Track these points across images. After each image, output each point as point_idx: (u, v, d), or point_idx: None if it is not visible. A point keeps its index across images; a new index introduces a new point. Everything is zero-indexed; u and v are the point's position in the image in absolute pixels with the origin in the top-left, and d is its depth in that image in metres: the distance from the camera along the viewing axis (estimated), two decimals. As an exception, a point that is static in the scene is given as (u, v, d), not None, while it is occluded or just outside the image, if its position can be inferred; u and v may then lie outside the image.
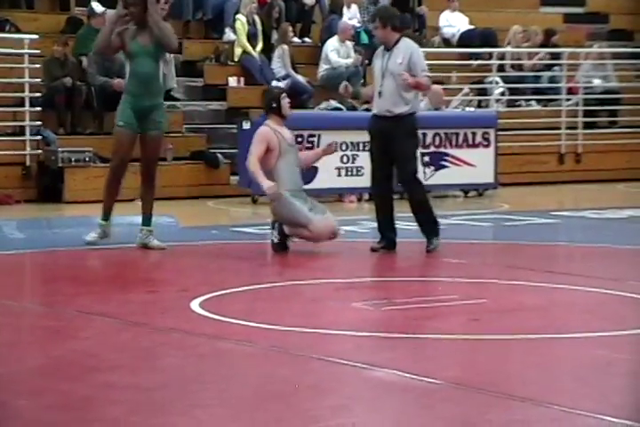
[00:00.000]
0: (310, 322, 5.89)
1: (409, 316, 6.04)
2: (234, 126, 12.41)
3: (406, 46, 8.14)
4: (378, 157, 8.23)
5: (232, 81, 13.53)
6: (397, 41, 8.14)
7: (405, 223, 9.81)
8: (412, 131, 8.20)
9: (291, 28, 14.08)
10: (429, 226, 8.18)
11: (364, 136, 11.73)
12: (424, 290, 6.88)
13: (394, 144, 8.08)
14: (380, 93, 8.17)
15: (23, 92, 11.62)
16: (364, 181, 11.74)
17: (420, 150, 12.31)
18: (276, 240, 8.14)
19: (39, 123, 11.77)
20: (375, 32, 8.30)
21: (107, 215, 8.32)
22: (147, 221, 8.30)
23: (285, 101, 8.32)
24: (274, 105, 8.29)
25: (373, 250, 8.17)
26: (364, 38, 14.55)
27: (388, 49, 8.15)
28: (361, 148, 11.80)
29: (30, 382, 4.72)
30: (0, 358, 5.19)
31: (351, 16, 14.70)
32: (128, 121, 8.10)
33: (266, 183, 8.09)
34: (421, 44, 14.95)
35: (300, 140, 11.54)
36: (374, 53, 8.45)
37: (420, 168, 12.20)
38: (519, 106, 14.74)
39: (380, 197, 8.32)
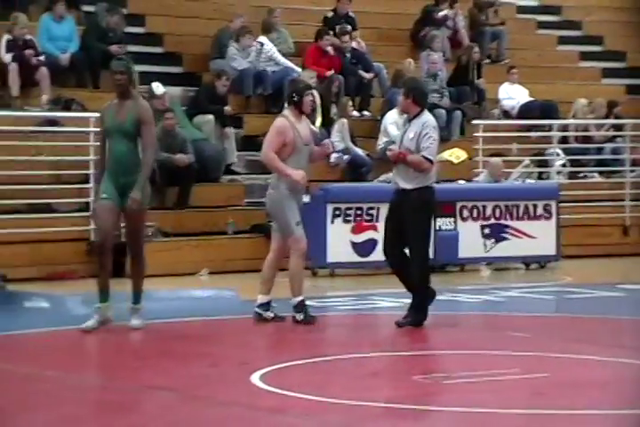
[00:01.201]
0: (371, 396, 5.83)
1: (471, 389, 5.95)
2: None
3: (422, 122, 8.04)
4: (388, 230, 8.13)
5: (292, 155, 13.65)
6: (418, 114, 8.08)
7: (468, 296, 9.73)
8: (421, 206, 8.00)
9: (350, 102, 14.24)
10: (416, 308, 7.98)
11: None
12: (485, 363, 6.78)
13: (404, 220, 7.99)
14: (395, 165, 8.10)
15: (88, 169, 11.85)
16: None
17: (480, 222, 12.42)
18: (301, 317, 8.10)
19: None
20: (399, 99, 8.33)
21: (103, 297, 7.97)
22: (134, 297, 8.07)
23: (308, 98, 8.11)
24: (295, 98, 8.12)
25: (399, 325, 7.99)
26: (424, 112, 14.66)
27: (410, 120, 8.12)
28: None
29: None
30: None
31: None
32: (110, 194, 7.88)
33: (295, 173, 8.03)
34: (481, 117, 15.13)
35: (359, 212, 11.59)
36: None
37: (481, 240, 12.18)
38: (582, 177, 14.66)
39: (395, 270, 8.15)
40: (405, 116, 8.21)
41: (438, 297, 9.10)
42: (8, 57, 12.67)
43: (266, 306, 8.23)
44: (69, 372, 6.66)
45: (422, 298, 8.02)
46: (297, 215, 8.17)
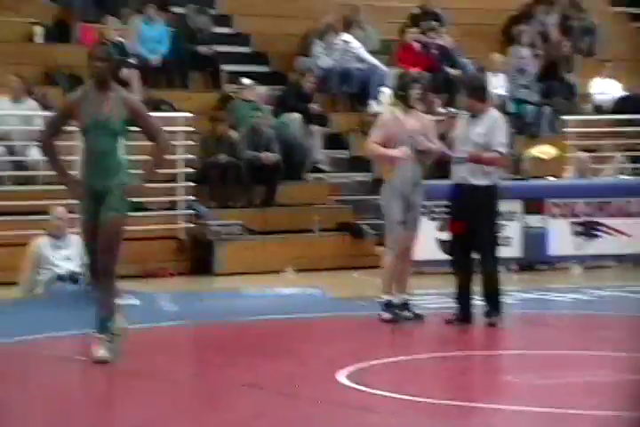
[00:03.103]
0: (460, 395, 5.76)
1: (562, 391, 5.83)
2: (379, 197, 12.41)
3: (490, 117, 8.03)
4: (461, 231, 8.02)
5: (378, 153, 13.60)
6: (484, 110, 8.03)
7: (558, 294, 9.55)
8: (491, 203, 7.99)
9: (437, 100, 14.12)
10: (493, 301, 7.94)
11: (512, 206, 11.66)
12: (577, 364, 6.64)
13: (473, 216, 7.91)
14: (460, 161, 8.03)
15: (175, 168, 11.95)
16: (513, 251, 11.58)
17: (571, 219, 12.21)
18: (387, 316, 8.01)
19: (192, 197, 12.07)
20: (462, 99, 8.33)
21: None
22: (101, 324, 6.61)
23: (414, 91, 8.07)
24: (400, 93, 8.14)
25: (448, 322, 7.94)
26: (512, 107, 14.47)
27: (474, 116, 8.06)
28: (508, 218, 11.64)
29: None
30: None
31: (497, 85, 14.65)
32: (84, 210, 6.75)
33: (395, 151, 7.98)
34: (571, 112, 14.87)
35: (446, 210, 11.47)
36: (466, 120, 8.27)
37: (572, 238, 11.97)
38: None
39: (459, 270, 8.10)
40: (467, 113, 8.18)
41: (528, 295, 8.95)
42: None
43: (403, 306, 8.14)
44: (160, 368, 6.71)
45: (500, 294, 8.01)
46: (400, 214, 8.09)
